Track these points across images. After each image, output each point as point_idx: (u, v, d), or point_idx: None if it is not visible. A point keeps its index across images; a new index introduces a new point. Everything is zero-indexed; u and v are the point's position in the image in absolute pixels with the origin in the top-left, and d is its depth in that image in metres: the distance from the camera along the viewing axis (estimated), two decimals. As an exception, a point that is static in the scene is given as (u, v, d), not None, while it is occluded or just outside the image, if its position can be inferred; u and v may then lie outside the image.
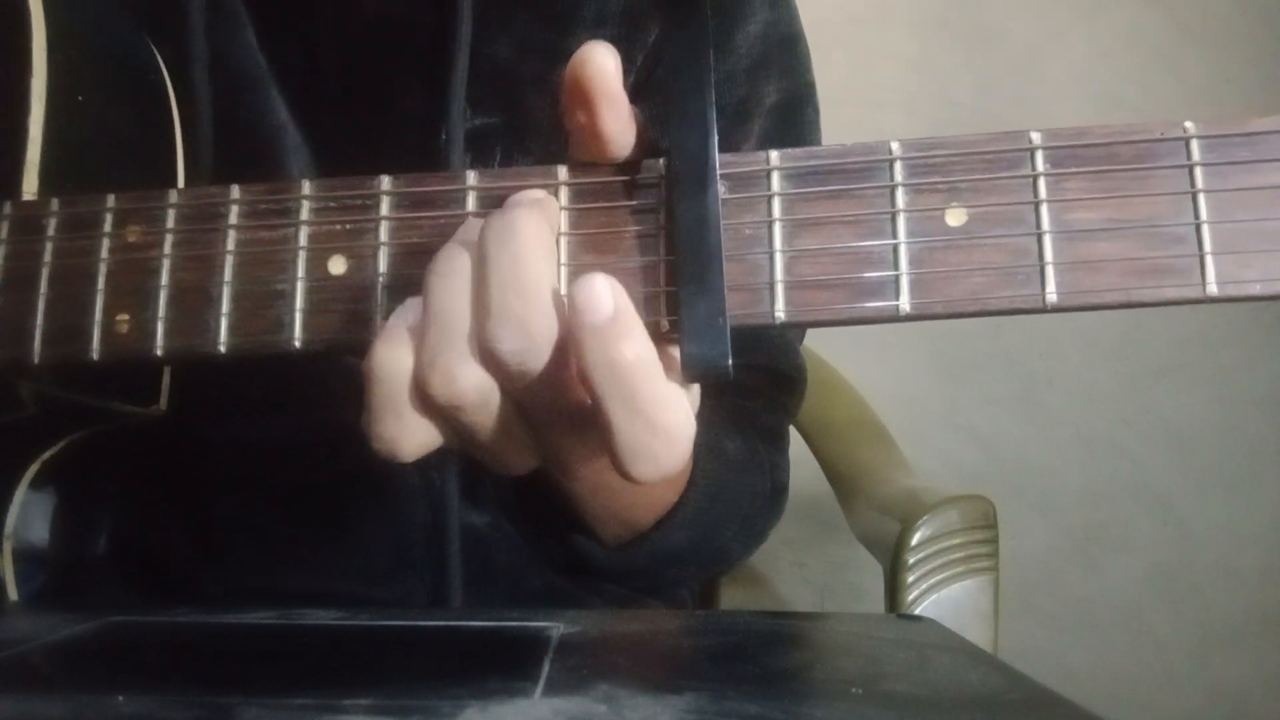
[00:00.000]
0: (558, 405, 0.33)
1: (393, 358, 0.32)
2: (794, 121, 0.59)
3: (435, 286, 0.32)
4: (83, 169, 0.45)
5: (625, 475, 0.32)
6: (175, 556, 0.54)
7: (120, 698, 0.27)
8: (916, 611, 0.65)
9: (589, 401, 0.32)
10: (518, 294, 0.31)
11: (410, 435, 0.33)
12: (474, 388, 0.32)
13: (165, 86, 0.51)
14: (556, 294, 0.32)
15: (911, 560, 0.66)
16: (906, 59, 1.42)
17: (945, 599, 0.66)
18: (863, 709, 0.28)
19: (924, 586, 0.66)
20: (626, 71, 0.36)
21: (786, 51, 0.59)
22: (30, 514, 0.49)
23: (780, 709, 0.27)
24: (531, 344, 0.31)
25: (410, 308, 0.33)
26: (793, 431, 0.85)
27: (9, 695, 0.28)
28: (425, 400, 0.32)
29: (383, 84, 0.53)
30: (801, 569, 1.37)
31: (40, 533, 0.52)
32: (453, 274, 0.32)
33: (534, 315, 0.31)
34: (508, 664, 0.33)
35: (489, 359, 0.31)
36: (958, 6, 1.44)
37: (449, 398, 0.32)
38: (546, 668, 0.31)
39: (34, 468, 0.47)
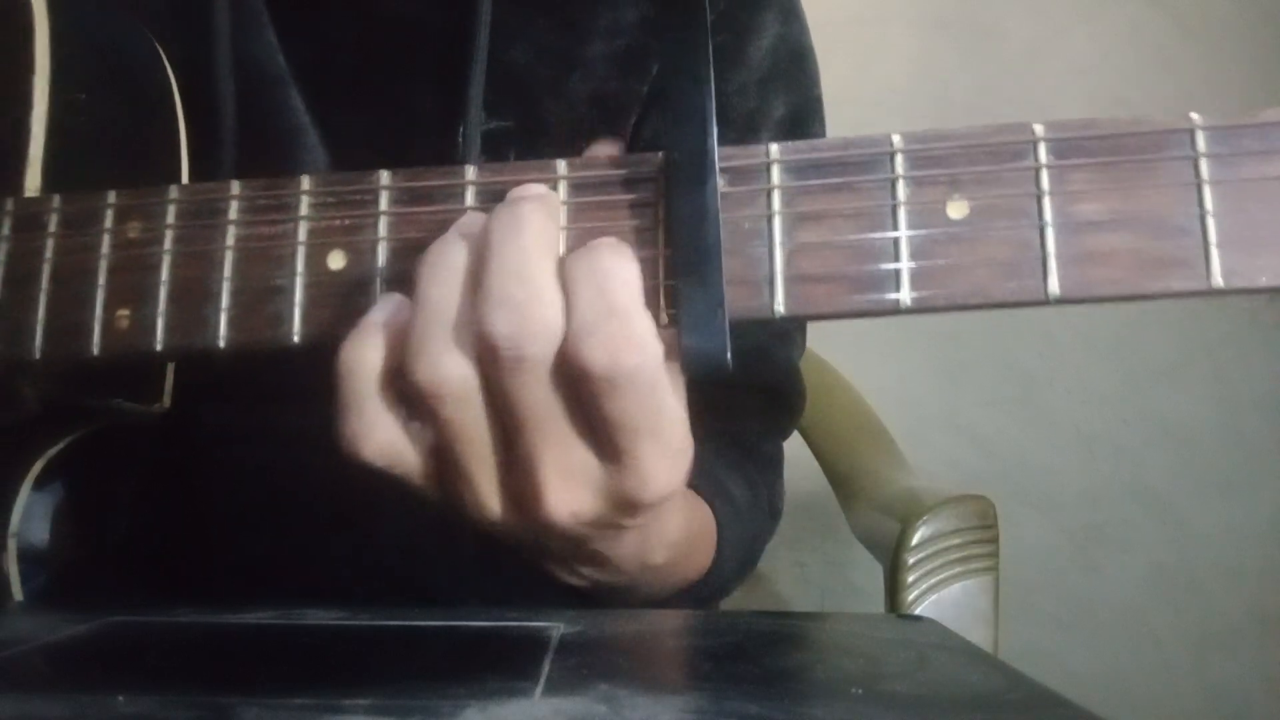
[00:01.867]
0: (542, 406, 0.32)
1: (360, 353, 0.32)
2: (800, 136, 0.59)
3: (426, 276, 0.32)
4: (86, 166, 0.45)
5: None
6: (182, 554, 0.54)
7: (120, 698, 0.27)
8: (916, 611, 0.65)
9: (567, 399, 0.31)
10: (520, 283, 0.31)
11: (370, 432, 0.33)
12: (458, 376, 0.31)
13: (169, 83, 0.51)
14: (557, 290, 0.31)
15: (911, 560, 0.66)
16: (906, 59, 1.42)
17: (945, 599, 0.66)
18: (863, 709, 0.28)
19: (924, 586, 0.66)
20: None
21: (795, 65, 0.59)
22: (35, 512, 0.49)
23: (780, 709, 0.27)
24: (526, 327, 0.30)
25: (385, 305, 0.33)
26: (793, 431, 0.85)
27: (9, 695, 0.28)
28: (407, 388, 0.32)
29: (399, 85, 0.54)
30: (801, 569, 1.37)
31: (46, 531, 0.52)
32: (446, 265, 0.32)
33: (534, 303, 0.31)
34: (508, 664, 0.33)
35: (481, 342, 0.31)
36: (958, 6, 1.44)
37: (431, 384, 0.31)
38: (546, 668, 0.31)
39: (39, 465, 0.47)
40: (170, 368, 0.49)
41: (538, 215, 0.32)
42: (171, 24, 0.52)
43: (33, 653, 0.34)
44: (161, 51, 0.51)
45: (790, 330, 0.59)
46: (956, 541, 0.67)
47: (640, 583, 0.42)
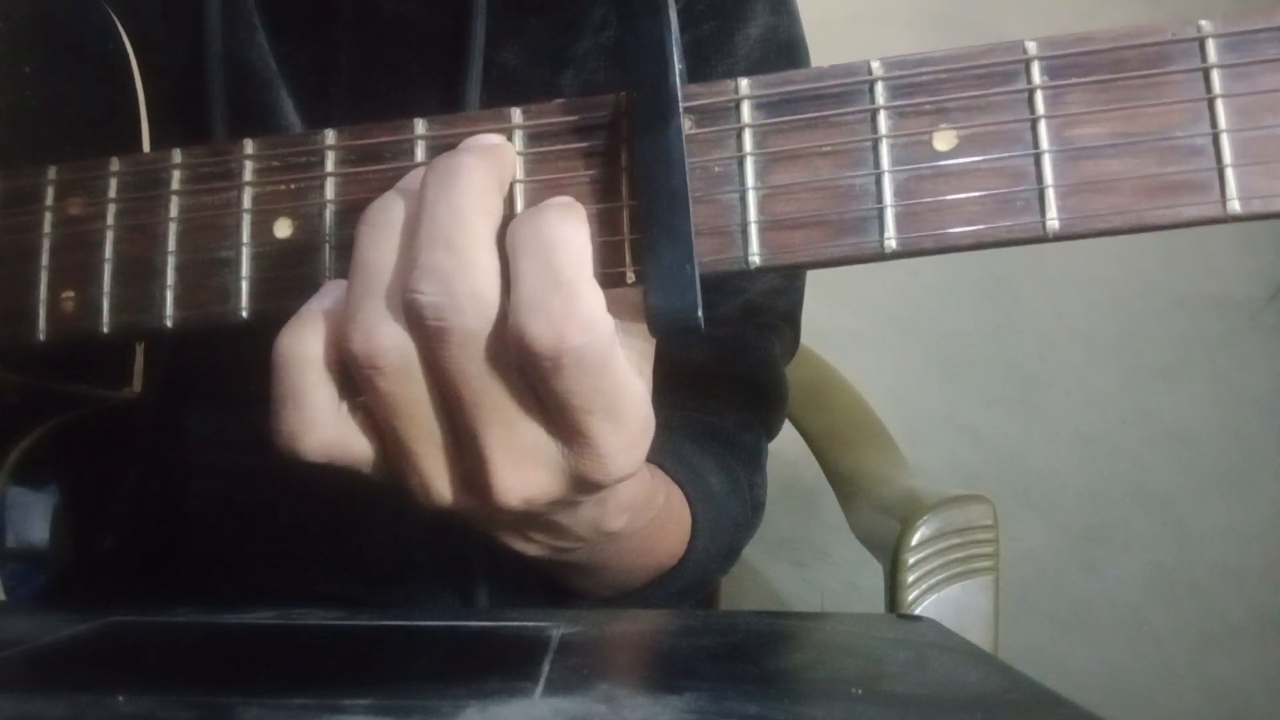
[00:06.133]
0: (480, 381, 0.30)
1: (297, 341, 0.31)
2: None
3: (365, 235, 0.31)
4: (36, 142, 0.43)
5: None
6: (169, 558, 0.54)
7: (120, 698, 0.27)
8: (916, 611, 0.65)
9: (510, 374, 0.30)
10: (447, 250, 0.29)
11: (310, 428, 0.31)
12: (395, 346, 0.30)
13: (126, 55, 0.48)
14: (491, 256, 0.30)
15: (911, 560, 0.66)
16: (906, 59, 1.42)
17: (945, 599, 0.66)
18: (863, 709, 0.28)
19: (924, 586, 0.66)
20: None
21: (784, 57, 0.59)
22: (15, 507, 0.48)
23: (780, 709, 0.27)
24: (452, 299, 0.29)
25: (326, 292, 0.32)
26: (793, 431, 0.85)
27: (9, 695, 0.28)
28: (345, 359, 0.30)
29: (396, 88, 0.54)
30: (801, 569, 1.37)
31: (27, 528, 0.51)
32: (385, 223, 0.31)
33: (462, 273, 0.29)
34: (508, 664, 0.33)
35: (408, 311, 0.29)
36: (956, 6, 1.44)
37: (367, 354, 0.30)
38: (546, 668, 0.31)
39: (13, 456, 0.46)
40: (139, 351, 0.47)
41: (476, 172, 0.30)
42: (163, 26, 0.52)
43: (33, 653, 0.34)
44: (117, 21, 0.49)
45: (773, 322, 0.58)
46: (956, 541, 0.67)
47: (601, 553, 0.41)
